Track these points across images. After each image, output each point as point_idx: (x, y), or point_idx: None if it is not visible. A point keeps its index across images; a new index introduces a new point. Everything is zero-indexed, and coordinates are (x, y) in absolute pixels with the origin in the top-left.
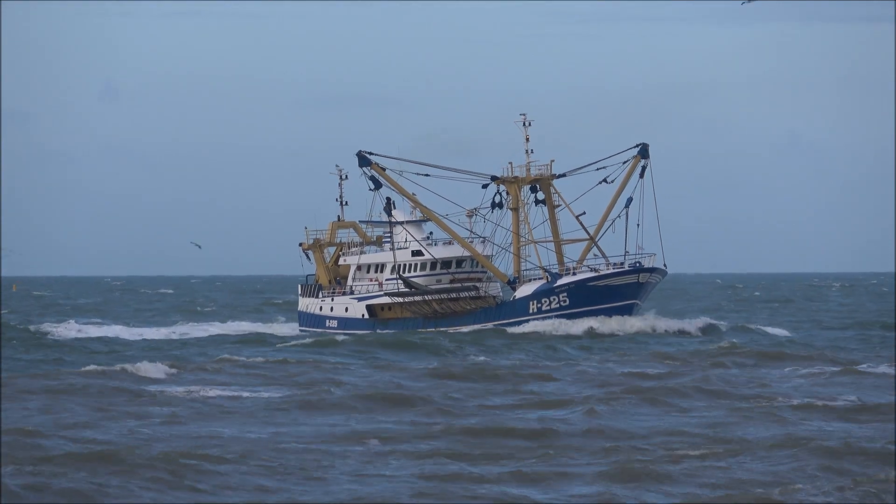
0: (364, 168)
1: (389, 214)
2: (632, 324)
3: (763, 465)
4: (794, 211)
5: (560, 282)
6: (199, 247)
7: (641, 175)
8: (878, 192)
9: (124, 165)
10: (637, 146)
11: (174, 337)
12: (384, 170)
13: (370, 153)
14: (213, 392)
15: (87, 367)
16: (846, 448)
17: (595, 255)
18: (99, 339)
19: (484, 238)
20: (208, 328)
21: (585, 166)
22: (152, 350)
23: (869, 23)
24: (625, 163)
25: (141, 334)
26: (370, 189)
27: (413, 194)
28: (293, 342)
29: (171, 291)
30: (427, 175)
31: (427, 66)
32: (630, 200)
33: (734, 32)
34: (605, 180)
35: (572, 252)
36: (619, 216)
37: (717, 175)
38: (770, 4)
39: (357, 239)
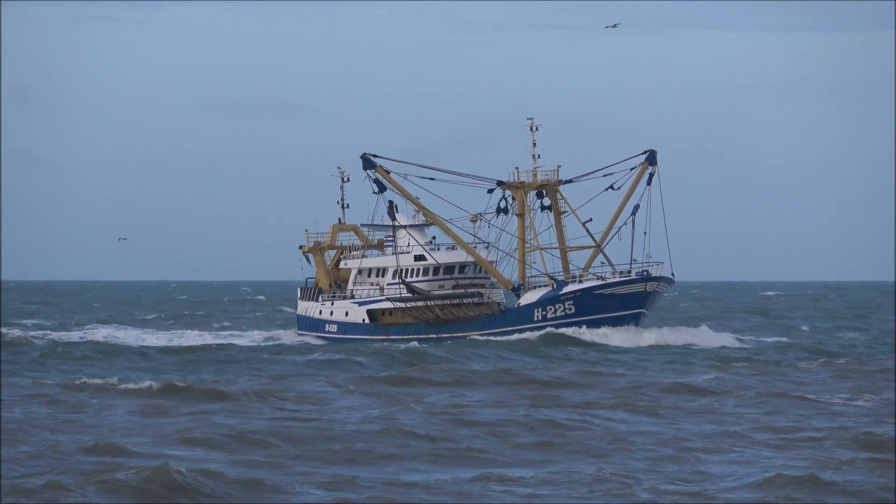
0: (368, 171)
1: (393, 218)
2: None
3: None
4: (798, 219)
5: (566, 289)
6: (123, 239)
7: (649, 182)
8: (880, 198)
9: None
10: (645, 153)
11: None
12: (388, 173)
13: (374, 155)
14: None
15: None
16: None
17: (601, 262)
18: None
19: (488, 243)
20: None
21: (592, 172)
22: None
23: (870, 30)
24: (632, 169)
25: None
26: (374, 192)
27: (417, 198)
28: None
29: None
30: (432, 179)
31: (428, 69)
32: (637, 208)
33: (752, 38)
34: (611, 187)
35: (578, 259)
36: (625, 223)
37: (721, 182)
38: (774, 6)
39: (358, 242)
